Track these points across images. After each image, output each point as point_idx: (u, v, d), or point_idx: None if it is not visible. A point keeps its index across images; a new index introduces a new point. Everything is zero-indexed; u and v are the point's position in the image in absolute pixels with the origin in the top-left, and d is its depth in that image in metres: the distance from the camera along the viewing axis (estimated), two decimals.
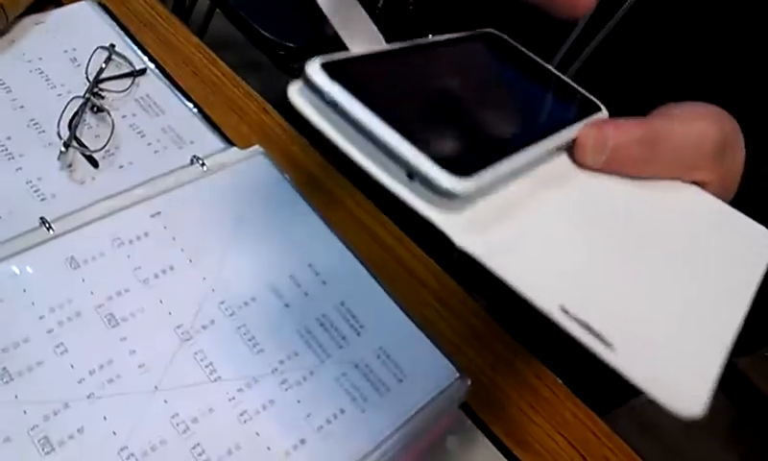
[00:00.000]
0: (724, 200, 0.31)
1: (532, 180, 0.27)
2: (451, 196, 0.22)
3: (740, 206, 0.31)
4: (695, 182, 0.31)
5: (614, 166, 0.29)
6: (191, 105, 0.57)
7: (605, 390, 0.73)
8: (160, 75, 0.58)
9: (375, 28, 0.30)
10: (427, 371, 0.43)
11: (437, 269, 0.53)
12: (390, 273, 0.51)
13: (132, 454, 0.35)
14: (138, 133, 0.53)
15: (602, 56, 0.45)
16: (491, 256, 0.22)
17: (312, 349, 0.42)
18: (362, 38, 0.29)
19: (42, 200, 0.46)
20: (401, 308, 0.45)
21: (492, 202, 0.24)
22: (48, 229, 0.43)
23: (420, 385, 0.42)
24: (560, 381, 0.48)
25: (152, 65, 0.58)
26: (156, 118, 0.55)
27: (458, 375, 0.43)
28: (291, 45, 1.11)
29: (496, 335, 0.49)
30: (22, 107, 0.51)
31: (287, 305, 0.43)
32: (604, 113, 0.32)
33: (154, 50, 0.61)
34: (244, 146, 0.54)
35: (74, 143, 0.49)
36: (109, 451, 0.35)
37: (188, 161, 0.50)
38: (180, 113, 0.56)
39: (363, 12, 0.30)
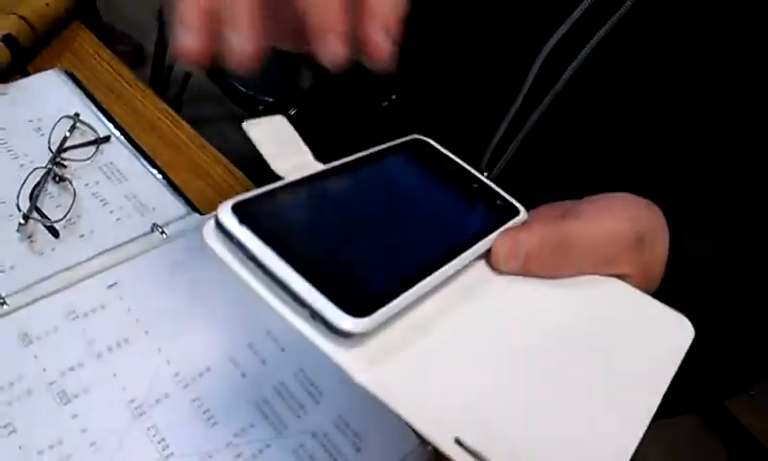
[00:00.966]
0: (647, 289, 0.32)
1: (442, 295, 0.27)
2: (349, 336, 0.23)
3: (666, 293, 0.31)
4: (615, 276, 0.32)
5: (529, 271, 0.30)
6: (155, 171, 0.57)
7: None
8: (125, 141, 0.59)
9: (305, 147, 0.31)
10: (387, 439, 0.42)
11: None
12: None
13: None
14: (101, 201, 0.53)
15: (543, 128, 0.46)
16: (386, 392, 0.23)
17: (269, 420, 0.41)
18: (291, 161, 0.30)
19: (0, 272, 0.46)
20: None
21: (395, 329, 0.25)
22: (2, 304, 0.42)
23: (380, 454, 0.41)
24: None
25: (117, 132, 0.59)
26: (119, 185, 0.55)
27: (419, 441, 0.42)
28: (269, 100, 1.12)
29: None
30: None
31: (244, 375, 0.43)
32: (522, 216, 0.32)
33: (119, 116, 0.61)
34: (208, 211, 0.55)
35: (34, 214, 0.49)
36: None
37: (149, 229, 0.51)
38: (144, 180, 0.56)
39: (294, 133, 0.31)
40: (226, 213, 0.24)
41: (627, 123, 0.43)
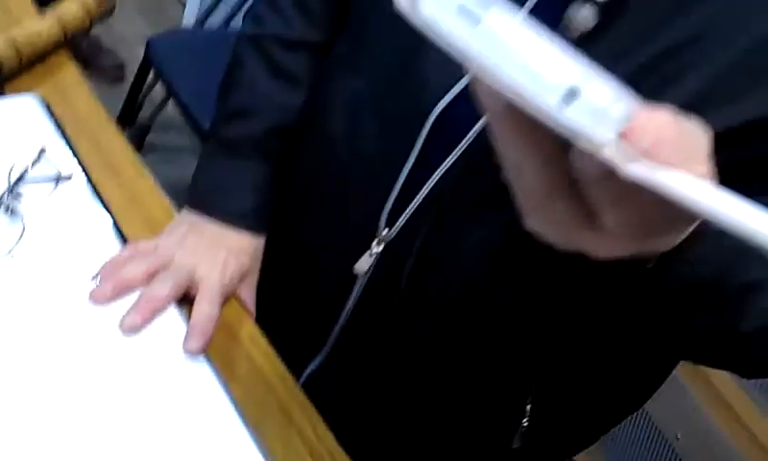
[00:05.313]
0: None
1: None
2: None
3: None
4: None
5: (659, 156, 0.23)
6: (110, 216, 0.58)
7: None
8: (86, 183, 0.59)
9: None
10: None
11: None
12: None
13: None
14: (48, 239, 0.54)
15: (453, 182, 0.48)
16: None
17: None
18: None
19: None
20: None
21: None
22: None
23: None
24: None
25: (79, 170, 0.59)
26: (70, 226, 0.56)
27: None
28: None
29: None
30: None
31: None
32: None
33: (85, 154, 0.61)
34: None
35: None
36: None
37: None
38: (96, 226, 0.57)
39: None
40: None
41: None
